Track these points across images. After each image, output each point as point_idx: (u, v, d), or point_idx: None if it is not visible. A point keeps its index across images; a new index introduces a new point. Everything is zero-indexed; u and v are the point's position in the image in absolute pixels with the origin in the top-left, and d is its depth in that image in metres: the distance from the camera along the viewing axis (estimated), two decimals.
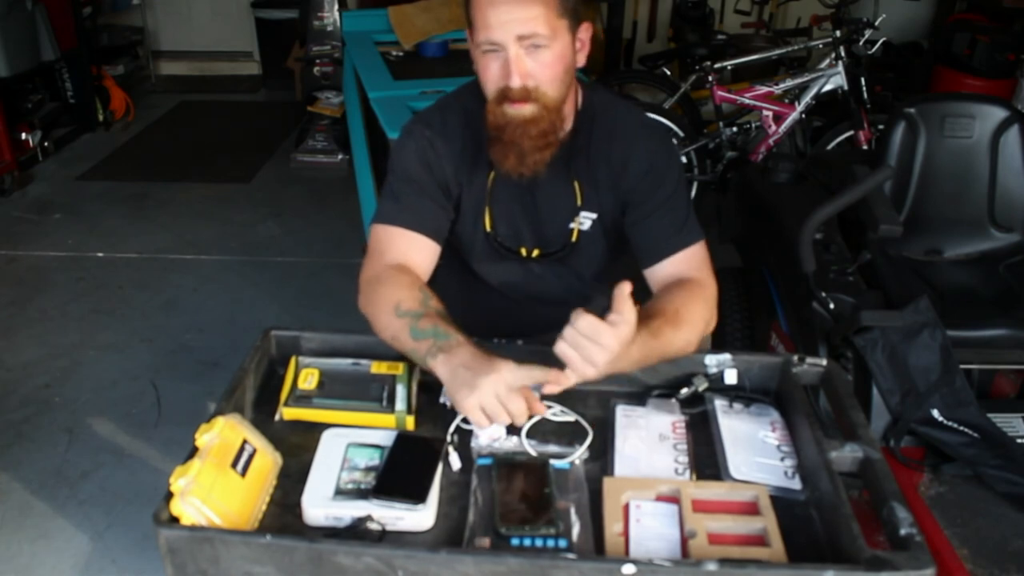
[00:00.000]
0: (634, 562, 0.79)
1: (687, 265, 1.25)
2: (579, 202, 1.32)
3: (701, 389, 1.13)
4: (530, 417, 1.03)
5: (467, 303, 1.46)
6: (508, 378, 0.99)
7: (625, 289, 0.97)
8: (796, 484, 0.99)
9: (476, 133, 1.29)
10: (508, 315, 1.43)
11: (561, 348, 0.98)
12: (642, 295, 1.34)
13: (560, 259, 1.37)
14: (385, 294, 1.14)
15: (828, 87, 3.44)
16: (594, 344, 0.96)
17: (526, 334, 1.40)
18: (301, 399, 1.10)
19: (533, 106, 1.17)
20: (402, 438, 1.01)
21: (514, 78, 1.15)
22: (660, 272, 1.27)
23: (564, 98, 1.22)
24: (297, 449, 1.03)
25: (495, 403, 0.99)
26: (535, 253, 1.37)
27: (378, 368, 1.14)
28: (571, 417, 1.11)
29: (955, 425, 1.64)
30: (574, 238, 1.35)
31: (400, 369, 1.13)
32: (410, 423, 1.07)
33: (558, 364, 1.16)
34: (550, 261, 1.38)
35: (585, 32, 1.23)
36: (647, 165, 1.28)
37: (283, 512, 0.94)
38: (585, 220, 1.33)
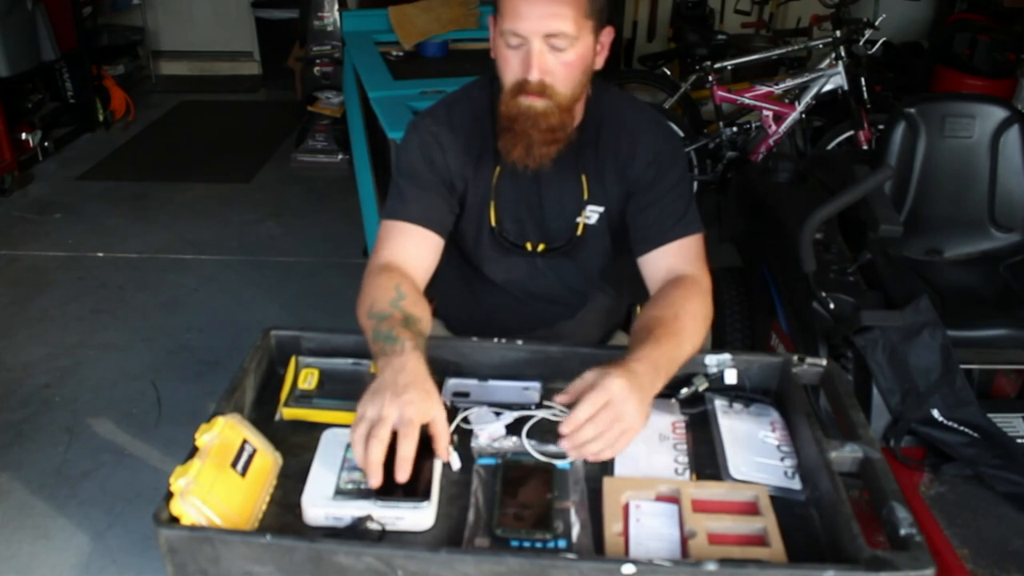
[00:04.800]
0: (634, 562, 0.79)
1: (682, 257, 1.26)
2: (585, 196, 1.32)
3: (701, 389, 1.13)
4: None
5: (470, 300, 1.47)
6: (408, 411, 0.92)
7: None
8: (796, 484, 0.99)
9: (482, 128, 1.29)
10: (511, 312, 1.43)
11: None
12: (639, 294, 1.35)
13: (565, 254, 1.38)
14: (366, 294, 1.15)
15: (828, 87, 3.44)
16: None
17: (528, 332, 1.41)
18: (301, 399, 1.10)
19: (546, 101, 1.18)
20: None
21: (533, 72, 1.16)
22: (655, 263, 1.27)
23: (577, 97, 1.23)
24: (297, 449, 1.03)
25: (370, 422, 0.92)
26: (540, 248, 1.38)
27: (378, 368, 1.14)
28: None
29: (955, 425, 1.64)
30: (579, 232, 1.35)
31: None
32: None
33: (554, 367, 1.16)
34: (555, 256, 1.38)
35: (607, 36, 1.23)
36: (652, 155, 1.29)
37: (283, 512, 0.94)
38: (592, 214, 1.34)
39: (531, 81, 1.16)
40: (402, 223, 1.26)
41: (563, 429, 0.95)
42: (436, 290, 1.24)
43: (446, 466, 1.00)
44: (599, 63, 1.24)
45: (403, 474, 0.90)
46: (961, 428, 1.63)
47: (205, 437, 0.92)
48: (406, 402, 0.93)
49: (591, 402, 0.94)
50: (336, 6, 4.32)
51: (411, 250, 1.25)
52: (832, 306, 1.80)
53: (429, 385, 0.98)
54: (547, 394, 1.13)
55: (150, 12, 5.90)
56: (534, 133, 1.20)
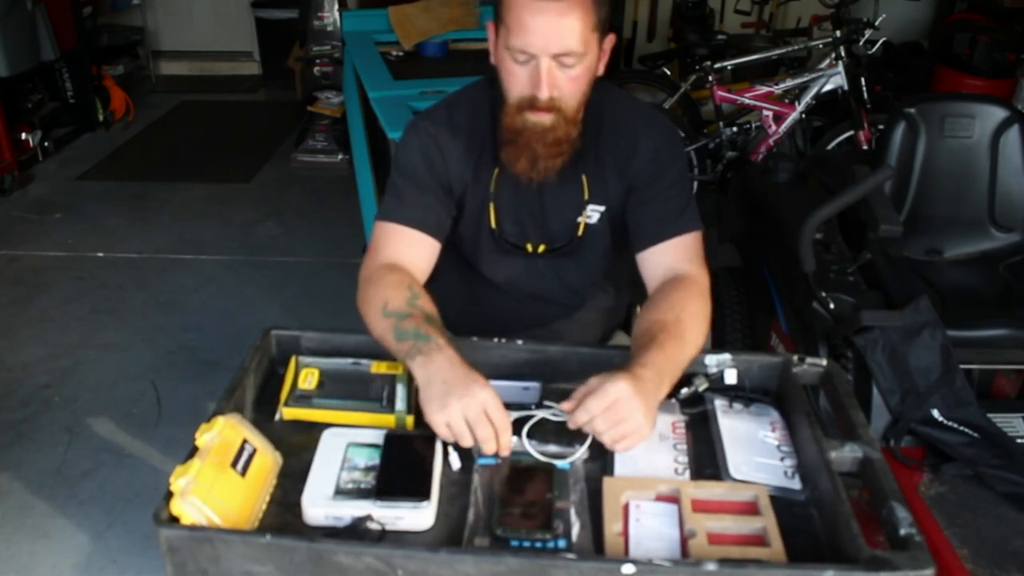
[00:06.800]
0: (634, 562, 0.79)
1: (681, 255, 1.26)
2: (586, 196, 1.32)
3: (701, 389, 1.13)
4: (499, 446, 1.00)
5: (469, 301, 1.46)
6: (481, 401, 0.97)
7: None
8: (796, 484, 0.99)
9: (482, 130, 1.29)
10: (510, 313, 1.43)
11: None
12: (639, 294, 1.35)
13: (565, 254, 1.37)
14: (375, 293, 1.15)
15: (828, 87, 3.44)
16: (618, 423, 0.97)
17: (528, 332, 1.41)
18: (301, 399, 1.10)
19: (554, 116, 1.18)
20: (390, 438, 1.01)
21: (543, 90, 1.15)
22: (653, 259, 1.27)
23: (582, 106, 1.23)
24: (297, 449, 1.03)
25: (462, 425, 0.97)
26: (541, 248, 1.37)
27: (378, 368, 1.14)
28: None
29: (955, 425, 1.64)
30: (580, 232, 1.35)
31: (400, 369, 1.13)
32: (410, 423, 1.07)
33: (554, 367, 1.16)
34: (555, 256, 1.38)
35: (609, 42, 1.23)
36: (653, 152, 1.29)
37: (283, 512, 0.94)
38: (592, 213, 1.34)
39: (541, 98, 1.16)
40: (399, 226, 1.26)
41: (571, 426, 1.00)
42: (435, 291, 1.24)
43: (446, 466, 1.00)
44: (600, 69, 1.24)
45: (506, 443, 0.98)
46: (961, 428, 1.63)
47: (205, 437, 0.92)
48: (481, 389, 0.98)
49: (596, 402, 0.96)
50: (336, 6, 4.32)
51: (408, 253, 1.25)
52: (832, 306, 1.80)
53: (481, 376, 1.01)
54: (547, 394, 1.13)
55: (150, 12, 5.90)
56: (539, 147, 1.20)
